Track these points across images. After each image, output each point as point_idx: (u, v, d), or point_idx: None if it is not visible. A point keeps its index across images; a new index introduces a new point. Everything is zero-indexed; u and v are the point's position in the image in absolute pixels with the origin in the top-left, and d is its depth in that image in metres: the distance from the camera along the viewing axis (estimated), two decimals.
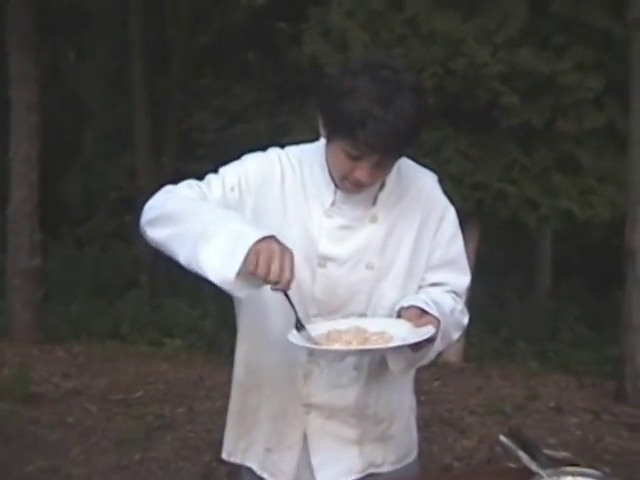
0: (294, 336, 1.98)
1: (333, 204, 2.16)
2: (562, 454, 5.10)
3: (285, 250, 1.85)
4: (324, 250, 2.15)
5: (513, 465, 4.66)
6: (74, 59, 14.32)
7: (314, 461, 2.27)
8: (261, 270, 1.83)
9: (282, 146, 2.28)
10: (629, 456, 5.40)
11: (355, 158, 2.00)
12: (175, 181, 2.19)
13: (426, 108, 2.04)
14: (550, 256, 10.36)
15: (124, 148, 12.11)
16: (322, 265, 2.15)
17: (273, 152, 2.25)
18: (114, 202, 12.39)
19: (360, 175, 2.02)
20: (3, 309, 9.05)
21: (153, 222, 2.08)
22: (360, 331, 2.04)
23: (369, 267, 2.17)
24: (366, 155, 1.98)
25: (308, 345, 1.96)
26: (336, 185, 2.15)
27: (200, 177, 2.23)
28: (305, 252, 2.12)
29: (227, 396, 6.77)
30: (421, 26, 7.82)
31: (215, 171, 2.24)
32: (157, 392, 7.09)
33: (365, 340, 1.99)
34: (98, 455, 5.57)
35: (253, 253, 1.82)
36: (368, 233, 2.17)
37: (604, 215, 8.02)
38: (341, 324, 2.09)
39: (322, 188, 2.17)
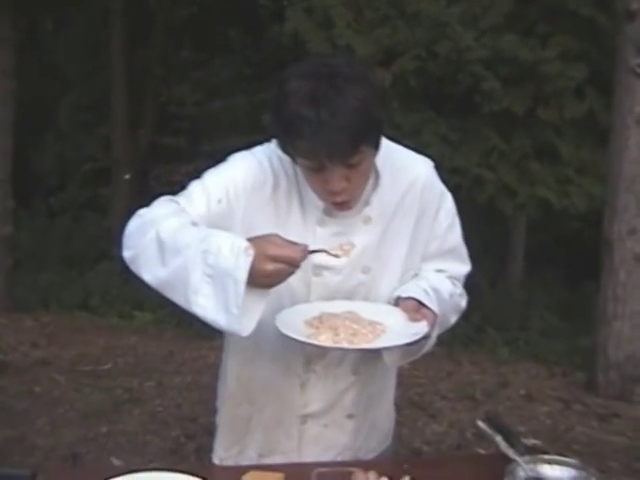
0: (282, 323, 1.91)
1: (326, 211, 2.03)
2: (532, 442, 5.11)
3: (269, 249, 1.75)
4: (319, 260, 2.01)
5: (483, 451, 4.70)
6: (53, 27, 14.14)
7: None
8: (280, 281, 1.79)
9: (269, 138, 2.08)
10: (598, 446, 5.43)
11: (318, 170, 1.88)
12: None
13: (376, 94, 1.89)
14: (524, 245, 10.38)
15: (100, 119, 11.96)
16: (318, 274, 2.06)
17: (262, 154, 2.07)
18: (88, 173, 12.24)
19: (333, 186, 1.89)
20: None
21: (132, 262, 1.94)
22: (353, 318, 1.97)
23: (365, 271, 2.09)
24: (324, 163, 1.85)
25: (294, 336, 1.87)
26: None
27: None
28: None
29: (197, 372, 6.75)
30: (406, 7, 7.80)
31: (198, 172, 2.08)
32: (126, 365, 7.05)
33: (355, 333, 1.92)
34: (64, 426, 5.53)
35: (257, 281, 1.75)
36: (362, 237, 2.06)
37: (580, 205, 8.04)
38: (335, 307, 2.02)
39: (314, 195, 2.01)
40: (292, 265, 1.76)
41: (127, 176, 11.19)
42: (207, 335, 7.07)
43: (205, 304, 1.78)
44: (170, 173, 9.80)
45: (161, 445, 5.32)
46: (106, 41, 11.44)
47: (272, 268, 1.74)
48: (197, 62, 11.48)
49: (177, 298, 1.84)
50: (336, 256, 1.92)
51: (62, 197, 12.39)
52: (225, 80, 11.16)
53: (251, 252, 1.73)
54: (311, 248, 1.84)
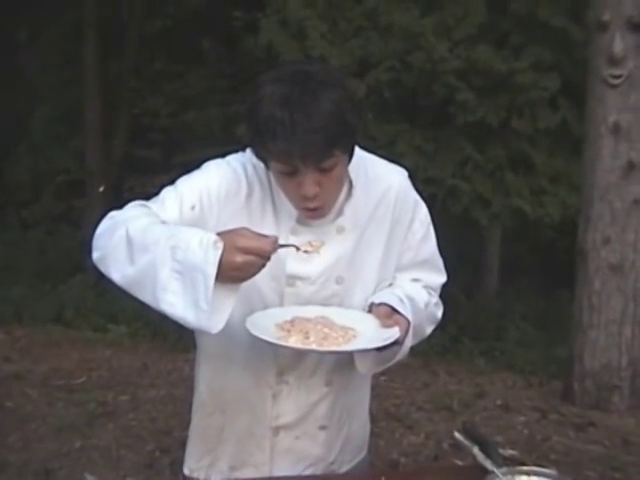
0: (253, 325, 1.89)
1: (299, 220, 2.02)
2: (509, 452, 5.11)
3: (238, 241, 1.72)
4: (292, 270, 2.02)
5: (460, 462, 4.69)
6: (26, 39, 14.07)
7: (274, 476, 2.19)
8: (252, 274, 1.77)
9: (244, 149, 2.08)
10: (575, 455, 5.42)
11: (291, 174, 1.87)
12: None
13: (351, 99, 1.89)
14: (499, 255, 10.41)
15: (74, 131, 11.92)
16: (291, 284, 2.04)
17: (237, 162, 2.06)
18: (62, 185, 12.19)
19: (306, 191, 1.87)
20: None
21: (101, 262, 1.91)
22: (326, 323, 1.96)
23: (339, 281, 2.07)
24: (297, 166, 1.84)
25: (265, 338, 1.85)
26: None
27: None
28: (272, 271, 1.95)
29: (172, 385, 6.70)
30: (380, 18, 7.83)
31: (168, 175, 2.07)
32: (100, 379, 6.98)
33: (325, 337, 1.90)
34: (37, 441, 5.46)
35: (227, 274, 1.73)
36: (336, 246, 2.05)
37: (555, 215, 8.08)
38: (308, 312, 2.00)
39: (288, 203, 2.00)
40: (262, 257, 1.74)
41: (101, 188, 11.14)
42: (182, 348, 7.05)
43: (174, 301, 1.75)
44: (144, 185, 9.75)
45: (135, 459, 5.26)
46: (79, 53, 11.40)
47: (242, 260, 1.71)
48: (171, 74, 11.45)
49: (145, 297, 1.81)
50: (305, 252, 1.91)
51: (35, 209, 12.29)
52: (199, 92, 11.14)
53: (220, 245, 1.71)
54: (281, 242, 1.83)
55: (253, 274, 1.77)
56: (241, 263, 1.71)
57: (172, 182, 2.07)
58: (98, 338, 8.41)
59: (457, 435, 2.12)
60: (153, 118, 10.94)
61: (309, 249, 1.90)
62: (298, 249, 1.89)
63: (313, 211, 1.95)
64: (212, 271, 1.69)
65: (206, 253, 1.70)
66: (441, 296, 2.30)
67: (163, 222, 1.90)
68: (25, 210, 12.26)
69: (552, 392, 6.83)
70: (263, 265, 1.76)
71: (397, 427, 5.93)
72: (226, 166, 2.06)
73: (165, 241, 1.77)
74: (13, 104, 12.77)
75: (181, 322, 1.78)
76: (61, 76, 12.29)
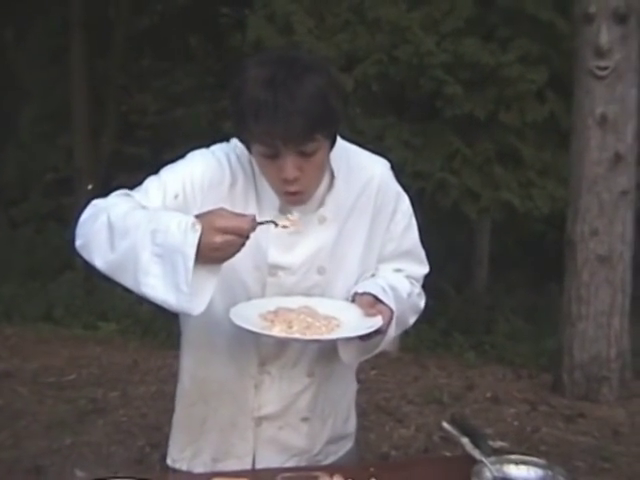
0: (236, 315, 1.91)
1: (281, 209, 2.01)
2: (499, 444, 5.12)
3: (216, 221, 1.74)
4: (274, 259, 2.03)
5: (449, 454, 4.69)
6: (13, 37, 14.03)
7: (258, 467, 2.19)
8: (232, 254, 1.77)
9: (228, 138, 2.10)
10: (565, 446, 5.44)
11: (273, 157, 1.88)
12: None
13: (334, 84, 1.92)
14: (488, 249, 10.42)
15: (62, 128, 11.89)
16: (273, 274, 2.05)
17: (221, 152, 2.07)
18: (50, 183, 12.17)
19: (287, 173, 1.88)
20: None
21: (83, 248, 1.91)
22: (309, 312, 1.97)
23: (320, 272, 2.08)
24: (279, 149, 1.85)
25: (248, 327, 1.87)
26: None
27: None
28: (254, 261, 2.01)
29: (162, 381, 6.69)
30: (367, 13, 7.82)
31: (155, 172, 2.06)
32: (90, 376, 6.97)
33: (309, 326, 1.92)
34: (28, 438, 5.44)
35: (207, 255, 1.74)
36: (317, 236, 2.06)
37: (544, 208, 8.08)
38: (292, 302, 2.01)
39: (271, 193, 2.01)
40: (241, 236, 1.75)
41: (90, 186, 11.11)
42: (172, 345, 7.01)
43: (155, 284, 1.77)
44: (133, 182, 9.73)
45: (126, 455, 5.25)
46: (66, 50, 11.36)
47: (221, 240, 1.73)
48: (158, 71, 11.44)
49: (127, 281, 1.83)
50: (284, 227, 1.89)
51: (24, 208, 12.28)
52: (187, 89, 11.13)
53: (198, 227, 1.72)
54: (259, 220, 1.83)
55: (233, 254, 1.77)
56: (220, 243, 1.72)
57: (156, 172, 2.08)
58: (88, 335, 8.40)
59: (446, 426, 2.11)
60: (141, 115, 10.93)
61: (287, 224, 1.89)
62: (276, 225, 1.88)
63: (293, 195, 1.95)
64: (191, 253, 1.71)
65: (185, 235, 1.72)
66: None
67: (143, 207, 1.91)
68: (14, 208, 12.25)
69: (542, 384, 6.85)
70: (243, 244, 1.77)
71: (387, 420, 5.93)
72: (210, 156, 2.06)
73: (145, 225, 1.78)
74: (0, 102, 12.73)
75: (163, 305, 1.79)
76: (48, 74, 12.26)
